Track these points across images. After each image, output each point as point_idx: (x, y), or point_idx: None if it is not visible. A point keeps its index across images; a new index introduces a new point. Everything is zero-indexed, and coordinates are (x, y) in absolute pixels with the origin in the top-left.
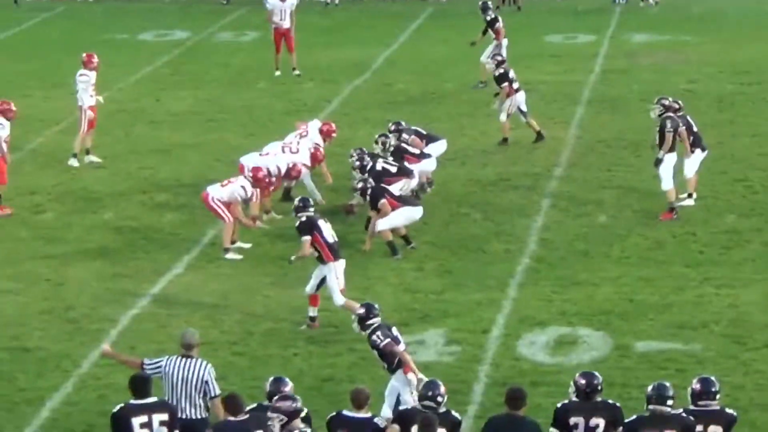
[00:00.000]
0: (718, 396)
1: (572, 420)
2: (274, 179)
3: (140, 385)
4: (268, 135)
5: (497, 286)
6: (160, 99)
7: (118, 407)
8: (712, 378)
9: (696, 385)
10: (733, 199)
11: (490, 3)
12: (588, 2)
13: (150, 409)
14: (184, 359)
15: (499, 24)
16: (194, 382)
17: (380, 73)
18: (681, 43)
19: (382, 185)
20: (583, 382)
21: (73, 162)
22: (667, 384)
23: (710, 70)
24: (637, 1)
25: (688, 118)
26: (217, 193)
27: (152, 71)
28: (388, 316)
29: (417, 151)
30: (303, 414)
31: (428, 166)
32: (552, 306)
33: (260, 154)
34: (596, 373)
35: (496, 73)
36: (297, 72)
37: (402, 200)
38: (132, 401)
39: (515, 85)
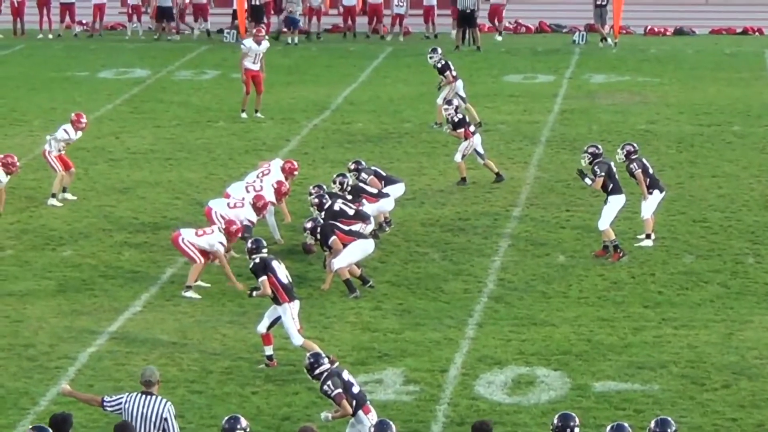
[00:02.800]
0: None
1: None
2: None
3: (55, 427)
4: (228, 173)
5: (455, 326)
6: (120, 137)
7: None
8: (670, 419)
9: (653, 426)
10: (692, 239)
11: (439, 49)
12: (547, 43)
13: None
14: (144, 396)
15: (450, 68)
16: (153, 420)
17: (339, 112)
18: (640, 84)
19: (331, 222)
20: (557, 423)
21: (53, 202)
22: (626, 425)
23: (669, 111)
24: (596, 42)
25: (644, 160)
26: (190, 237)
27: (112, 109)
28: (347, 354)
29: (374, 191)
30: None
31: (386, 205)
32: (510, 346)
33: (229, 205)
34: (572, 415)
35: (456, 119)
36: (259, 114)
37: (353, 234)
38: None
39: (471, 128)
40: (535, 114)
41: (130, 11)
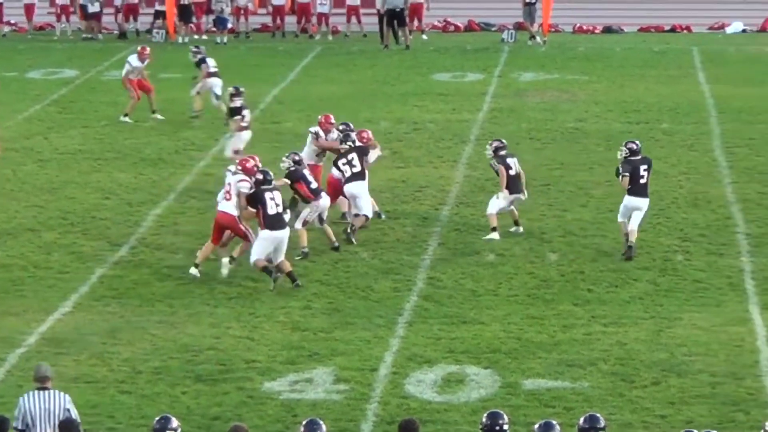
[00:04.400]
0: None
1: None
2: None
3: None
4: (158, 173)
5: (385, 325)
6: (49, 137)
7: None
8: (599, 415)
9: (582, 423)
10: (621, 237)
11: (201, 47)
12: (476, 41)
13: None
14: (41, 392)
15: (205, 65)
16: (57, 413)
17: (268, 111)
18: (569, 82)
19: (303, 173)
20: (486, 422)
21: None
22: (554, 422)
23: (598, 109)
24: (525, 40)
25: (508, 159)
26: (232, 210)
27: (40, 109)
28: (276, 354)
29: (314, 184)
30: None
31: (324, 203)
32: (440, 344)
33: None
34: (501, 413)
35: (231, 105)
36: (158, 116)
37: (314, 192)
38: None
39: (244, 123)
40: (464, 112)
41: (59, 11)
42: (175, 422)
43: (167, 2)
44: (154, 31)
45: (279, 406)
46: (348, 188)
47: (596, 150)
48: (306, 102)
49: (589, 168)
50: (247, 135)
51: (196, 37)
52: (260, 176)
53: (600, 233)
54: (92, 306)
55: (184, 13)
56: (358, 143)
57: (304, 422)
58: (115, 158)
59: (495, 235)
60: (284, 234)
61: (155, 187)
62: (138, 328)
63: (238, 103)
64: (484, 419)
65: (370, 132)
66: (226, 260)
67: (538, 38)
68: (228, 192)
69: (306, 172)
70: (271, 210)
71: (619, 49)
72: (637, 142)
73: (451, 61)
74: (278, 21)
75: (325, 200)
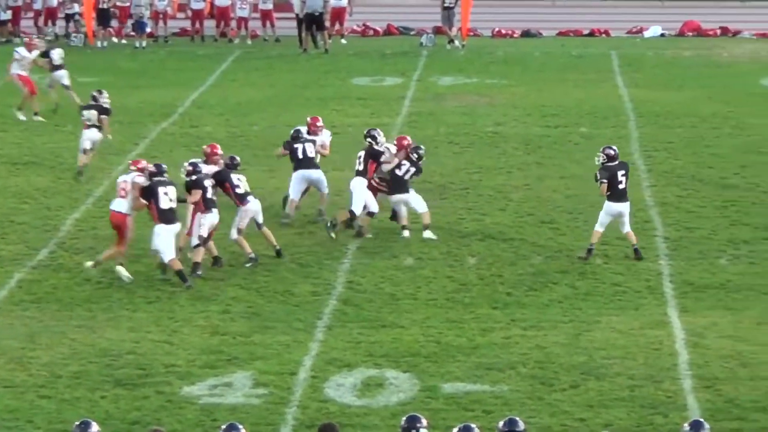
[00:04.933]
0: None
1: None
2: None
3: None
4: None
5: (304, 329)
6: None
7: None
8: (518, 419)
9: (502, 426)
10: (540, 240)
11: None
12: (395, 45)
13: None
14: None
15: (48, 58)
16: None
17: (187, 115)
18: (487, 86)
19: (223, 180)
20: (404, 425)
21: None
22: (473, 426)
23: (517, 113)
24: (443, 45)
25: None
26: (123, 208)
27: None
28: (196, 358)
29: (241, 191)
30: None
31: (253, 206)
32: (359, 348)
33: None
34: (419, 416)
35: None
36: (39, 117)
37: (210, 204)
38: None
39: (88, 122)
40: (383, 117)
41: None
42: (95, 427)
43: (85, 6)
44: (73, 35)
45: (198, 410)
46: (351, 183)
47: (515, 154)
48: (225, 106)
49: (507, 172)
50: (90, 134)
51: (114, 40)
52: (153, 168)
53: (519, 237)
54: (11, 310)
55: (103, 17)
56: (385, 146)
57: (223, 426)
58: (33, 162)
59: (405, 233)
60: (177, 228)
61: (74, 192)
62: (57, 333)
63: (88, 102)
64: (402, 422)
65: (409, 138)
66: (90, 264)
67: (456, 42)
68: (123, 189)
69: (234, 176)
70: (164, 204)
71: (538, 54)
72: (615, 147)
73: (370, 65)
74: (197, 25)
75: (253, 204)
